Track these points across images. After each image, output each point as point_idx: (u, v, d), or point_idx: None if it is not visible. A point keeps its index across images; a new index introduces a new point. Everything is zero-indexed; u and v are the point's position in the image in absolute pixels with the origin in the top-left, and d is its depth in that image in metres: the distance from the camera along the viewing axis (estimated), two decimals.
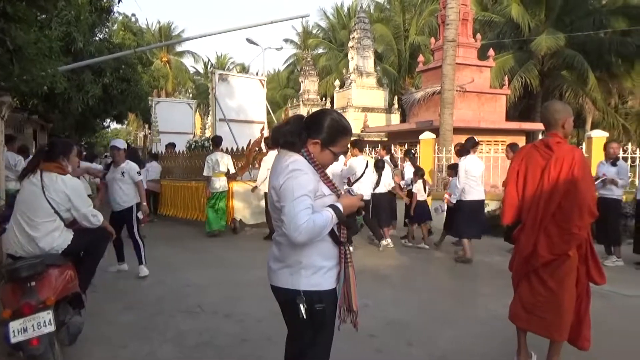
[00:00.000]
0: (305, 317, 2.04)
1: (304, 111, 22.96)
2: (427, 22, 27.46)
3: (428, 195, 8.09)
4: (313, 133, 2.10)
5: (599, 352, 3.42)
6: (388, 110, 23.34)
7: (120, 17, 16.56)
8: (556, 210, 3.01)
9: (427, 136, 11.03)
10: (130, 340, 3.84)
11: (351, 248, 2.18)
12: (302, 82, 27.41)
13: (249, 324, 4.20)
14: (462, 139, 13.47)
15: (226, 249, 7.79)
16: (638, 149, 10.04)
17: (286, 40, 42.75)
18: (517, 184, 3.20)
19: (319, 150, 2.11)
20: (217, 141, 8.98)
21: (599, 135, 10.03)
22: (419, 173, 7.90)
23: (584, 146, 10.86)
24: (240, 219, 9.48)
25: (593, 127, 21.51)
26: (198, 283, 5.57)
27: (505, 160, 8.29)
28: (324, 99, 27.90)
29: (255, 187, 8.55)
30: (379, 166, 7.78)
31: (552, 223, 3.01)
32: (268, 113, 13.81)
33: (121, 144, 6.03)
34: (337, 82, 24.55)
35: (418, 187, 7.78)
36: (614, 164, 6.66)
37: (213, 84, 11.66)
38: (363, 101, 22.35)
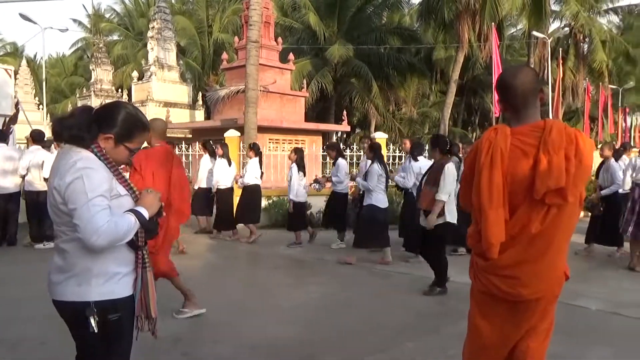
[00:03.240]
0: (96, 330, 1.82)
1: (96, 102, 20.67)
2: (231, 21, 27.62)
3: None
4: (105, 127, 1.90)
5: (388, 319, 3.94)
6: (192, 106, 22.69)
7: None
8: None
9: (232, 134, 11.09)
10: None
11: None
12: (93, 70, 24.58)
13: (27, 348, 3.57)
14: (265, 137, 13.94)
15: None
16: (397, 150, 12.54)
17: (75, 21, 37.95)
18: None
19: (112, 145, 1.92)
20: None
21: (380, 137, 11.70)
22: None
23: None
24: None
25: (376, 129, 24.76)
26: None
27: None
28: (120, 90, 25.62)
29: None
30: None
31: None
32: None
33: None
34: (135, 74, 22.79)
35: None
36: (334, 163, 7.75)
37: None
38: (165, 95, 21.24)
